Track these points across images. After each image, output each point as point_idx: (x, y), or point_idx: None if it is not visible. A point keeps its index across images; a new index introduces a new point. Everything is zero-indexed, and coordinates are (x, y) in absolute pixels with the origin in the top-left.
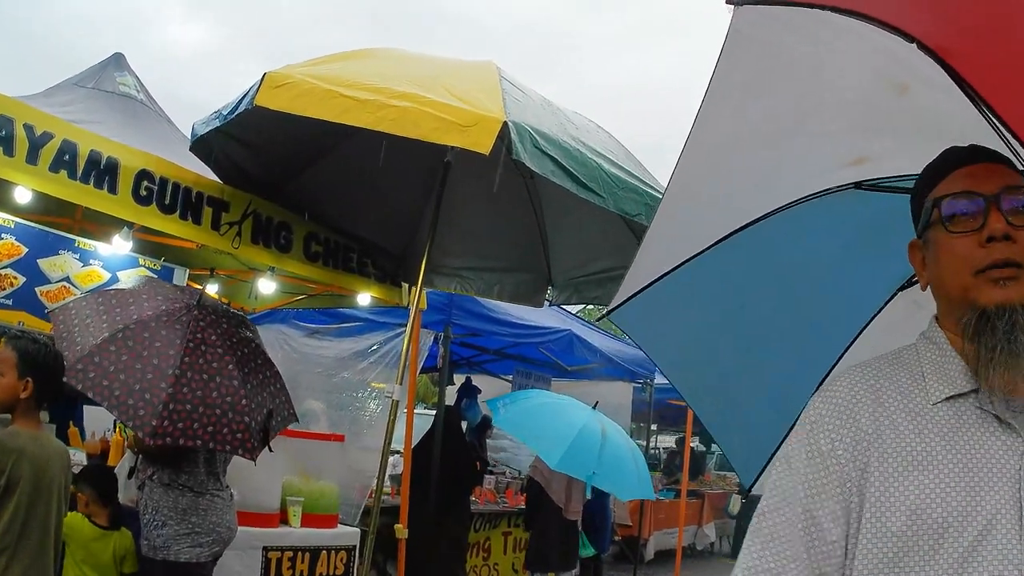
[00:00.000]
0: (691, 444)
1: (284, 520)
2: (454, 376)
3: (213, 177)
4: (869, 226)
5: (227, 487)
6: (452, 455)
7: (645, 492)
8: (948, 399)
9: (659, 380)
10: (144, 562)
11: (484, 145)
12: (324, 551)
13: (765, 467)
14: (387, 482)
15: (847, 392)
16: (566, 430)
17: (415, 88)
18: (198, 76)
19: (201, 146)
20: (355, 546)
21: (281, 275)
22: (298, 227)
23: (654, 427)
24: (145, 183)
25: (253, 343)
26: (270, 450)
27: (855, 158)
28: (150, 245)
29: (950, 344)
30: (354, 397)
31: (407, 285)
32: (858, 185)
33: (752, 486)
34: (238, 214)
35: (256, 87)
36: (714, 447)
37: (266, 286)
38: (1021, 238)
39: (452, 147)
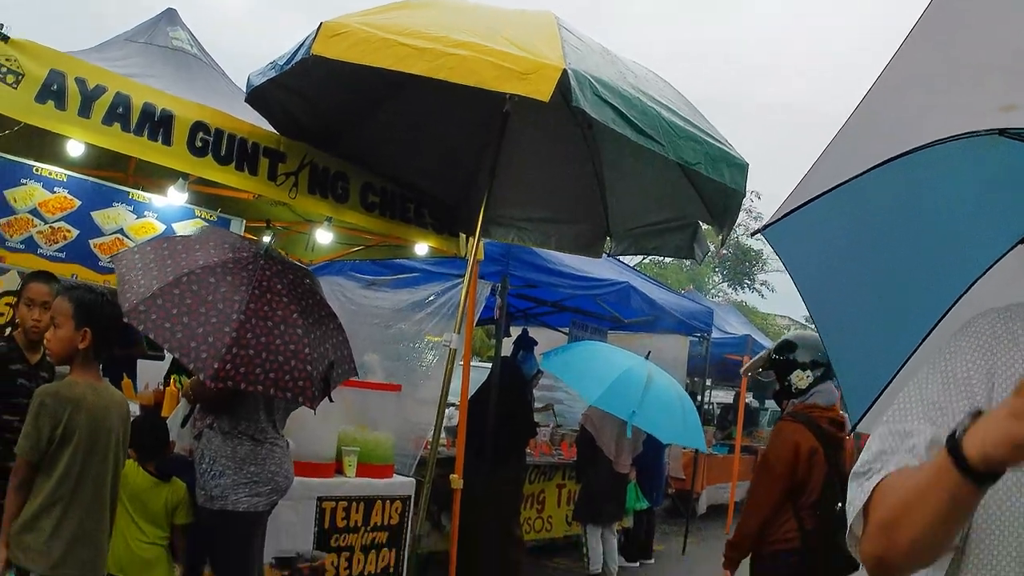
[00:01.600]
0: (745, 399)
1: (339, 470)
2: (510, 328)
3: (269, 128)
4: (1001, 175)
5: (284, 436)
6: (509, 407)
7: (694, 440)
8: None
9: (716, 334)
10: (201, 512)
11: (544, 93)
12: (379, 500)
13: (870, 408)
14: (442, 433)
15: (988, 329)
16: (609, 371)
17: (473, 37)
18: (247, 31)
19: (257, 97)
20: (410, 496)
21: (338, 226)
22: (354, 177)
23: (709, 382)
24: (200, 134)
25: (317, 295)
26: (330, 400)
27: (1007, 104)
28: (205, 197)
29: None
30: (411, 348)
31: (464, 235)
32: (1003, 132)
33: (856, 425)
34: (295, 164)
35: (312, 36)
36: (768, 403)
37: (323, 236)
38: None
39: (510, 96)
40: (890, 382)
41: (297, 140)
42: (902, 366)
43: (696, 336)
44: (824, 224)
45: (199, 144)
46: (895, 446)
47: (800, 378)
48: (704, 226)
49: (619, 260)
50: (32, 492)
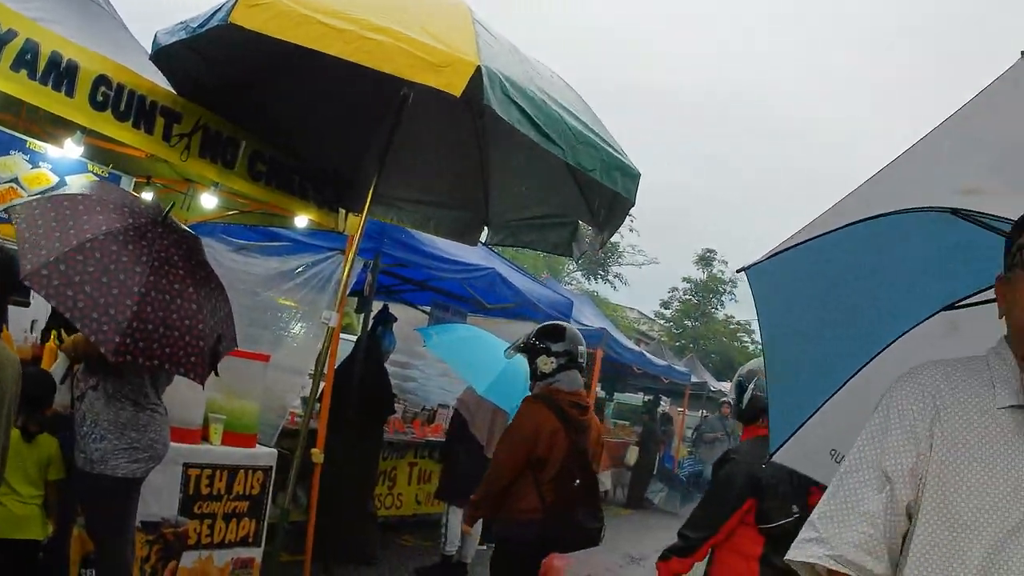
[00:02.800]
0: (595, 391)
1: (205, 437)
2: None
3: (167, 87)
4: (943, 249)
5: (163, 403)
6: (370, 383)
7: None
8: (1011, 407)
9: (573, 326)
10: (78, 474)
11: (456, 87)
12: (242, 470)
13: (786, 441)
14: (302, 406)
15: (930, 379)
16: (495, 362)
17: (391, 23)
18: None
19: (162, 56)
20: (272, 467)
21: (223, 191)
22: (245, 144)
23: None
24: (103, 89)
25: (208, 266)
26: (216, 375)
27: (970, 187)
28: (100, 151)
29: (1017, 363)
30: (277, 317)
31: (343, 211)
32: (955, 211)
33: (772, 454)
34: (189, 126)
35: (232, 4)
36: (616, 395)
37: (208, 201)
38: None
39: (410, 81)
40: (806, 421)
41: (195, 101)
42: (818, 409)
43: None
44: (795, 270)
45: (100, 98)
46: (845, 515)
47: (545, 363)
48: (584, 226)
49: (489, 247)
50: None
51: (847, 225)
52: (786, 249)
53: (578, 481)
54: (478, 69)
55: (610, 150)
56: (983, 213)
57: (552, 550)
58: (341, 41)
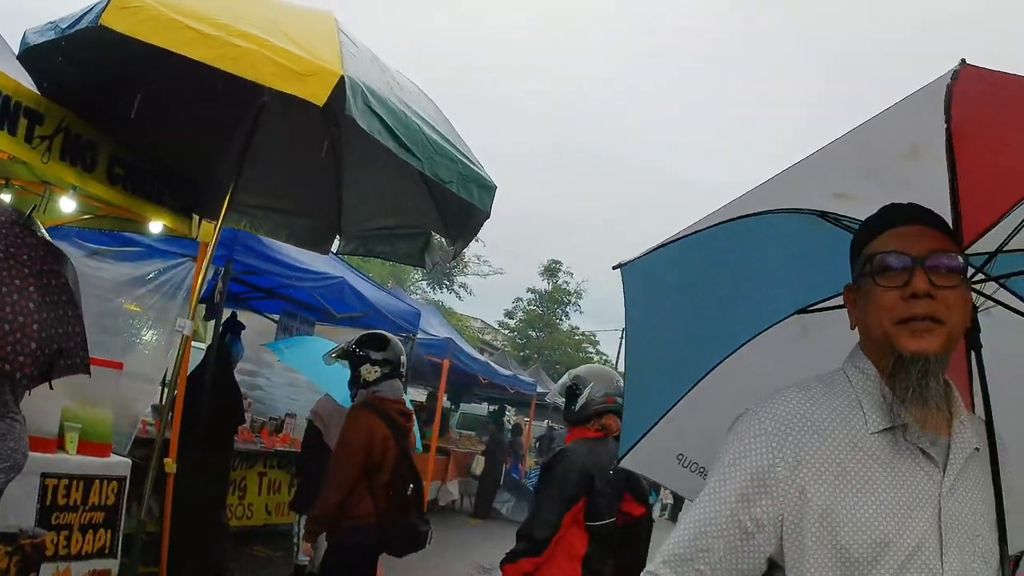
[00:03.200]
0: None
1: (60, 446)
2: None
3: (32, 87)
4: (805, 251)
5: (21, 411)
6: (221, 391)
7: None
8: (884, 430)
9: (420, 336)
10: None
11: (320, 97)
12: (98, 480)
13: (636, 444)
14: (154, 414)
15: (786, 413)
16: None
17: (256, 29)
18: None
19: (30, 56)
20: (126, 476)
21: (81, 194)
22: (104, 147)
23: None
24: None
25: (63, 279)
26: (50, 388)
27: (841, 192)
28: None
29: (880, 377)
30: (129, 324)
31: (197, 217)
32: (823, 214)
33: (620, 460)
34: (51, 128)
35: (103, 6)
36: (463, 406)
37: (67, 205)
38: (942, 297)
39: (269, 87)
40: (655, 425)
41: (58, 102)
42: (667, 412)
43: (401, 336)
44: (665, 268)
45: None
46: (694, 558)
47: (369, 372)
48: (436, 237)
49: (339, 256)
50: None
51: (720, 223)
52: (661, 246)
53: (412, 486)
54: (341, 79)
55: (467, 162)
56: (849, 217)
57: (385, 552)
58: (207, 46)
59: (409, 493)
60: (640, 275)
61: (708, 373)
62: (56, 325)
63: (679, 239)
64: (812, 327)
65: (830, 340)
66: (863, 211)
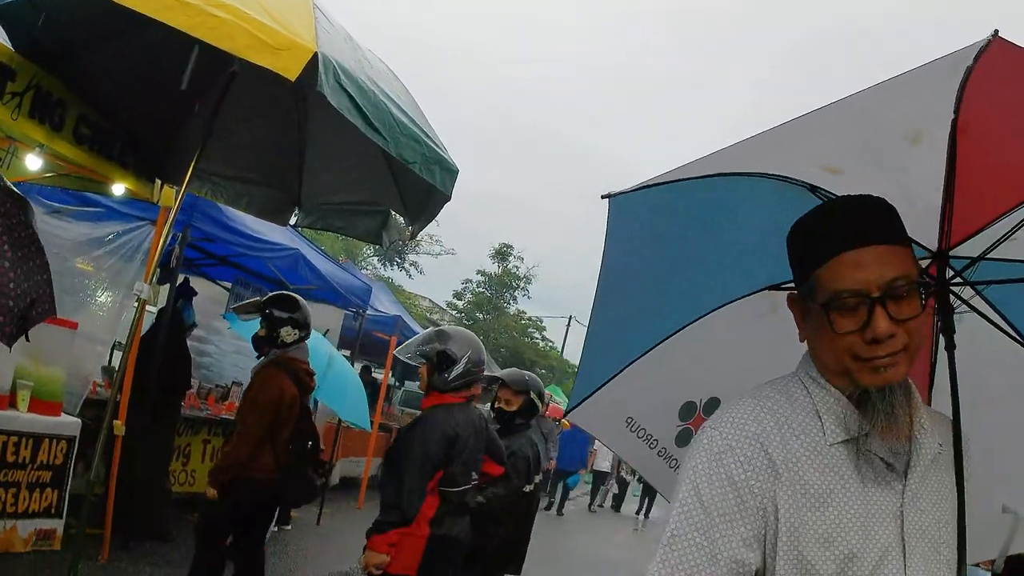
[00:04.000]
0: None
1: (12, 403)
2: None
3: (4, 43)
4: (787, 224)
5: None
6: (170, 356)
7: (362, 420)
8: (843, 441)
9: (370, 312)
10: None
11: (292, 71)
12: (47, 439)
13: (582, 402)
14: (104, 376)
15: (755, 422)
16: (316, 359)
17: (235, 0)
18: None
19: (4, 12)
20: (75, 437)
21: (48, 153)
22: (72, 107)
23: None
24: None
25: (30, 228)
26: (27, 340)
27: (832, 166)
28: None
29: (836, 388)
30: (84, 284)
31: (159, 182)
32: (813, 189)
33: (568, 412)
34: (22, 85)
35: None
36: (408, 384)
37: (33, 163)
38: (905, 327)
39: (246, 60)
40: (609, 380)
41: (30, 60)
42: (624, 368)
43: (351, 311)
44: (650, 209)
45: None
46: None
47: (289, 334)
48: (395, 216)
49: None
50: None
51: (710, 176)
52: (652, 185)
53: (310, 443)
54: (315, 56)
55: (431, 144)
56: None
57: (281, 506)
58: (184, 14)
59: (308, 448)
60: (625, 211)
61: (671, 335)
62: (29, 277)
63: (669, 182)
64: (781, 306)
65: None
66: (853, 190)
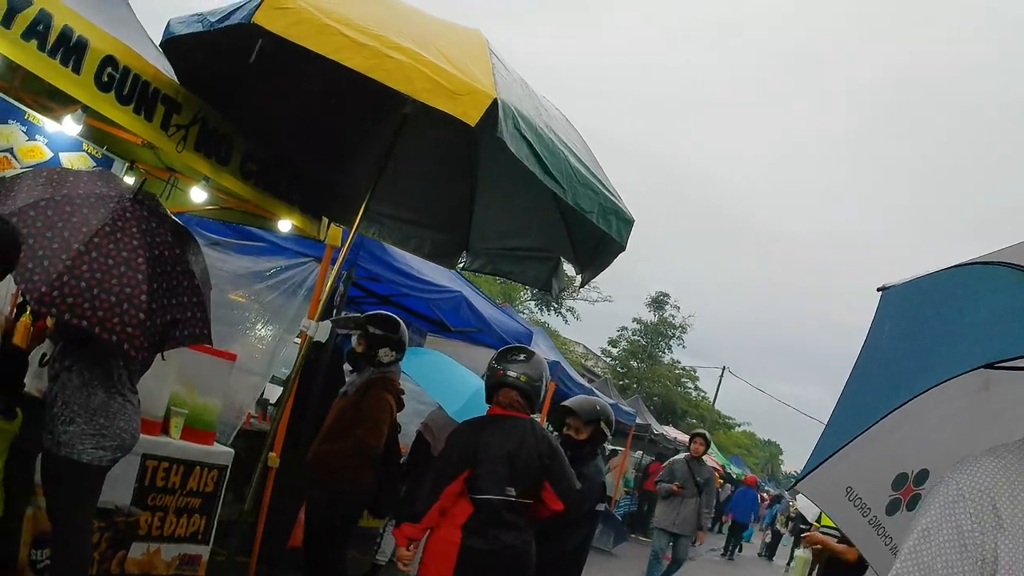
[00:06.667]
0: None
1: (165, 430)
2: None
3: (171, 75)
4: (1008, 306)
5: (137, 394)
6: (331, 392)
7: None
8: None
9: None
10: (45, 456)
11: (472, 117)
12: (198, 466)
13: (810, 472)
14: (257, 408)
15: (990, 476)
16: (464, 386)
17: (410, 43)
18: None
19: (172, 45)
20: (227, 466)
21: (211, 186)
22: (239, 142)
23: None
24: (109, 69)
25: (177, 250)
26: (163, 359)
27: None
28: (95, 131)
29: None
30: (244, 317)
31: (326, 220)
32: None
33: (797, 483)
34: (188, 118)
35: (256, 4)
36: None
37: (197, 194)
38: None
39: (412, 99)
40: (833, 454)
41: (195, 94)
42: (848, 443)
43: None
44: (912, 300)
45: (106, 79)
46: None
47: (387, 354)
48: (565, 263)
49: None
50: None
51: (969, 264)
52: (921, 277)
53: (402, 460)
54: (495, 102)
55: (607, 194)
56: None
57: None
58: (361, 56)
59: (399, 464)
60: (894, 303)
61: (893, 411)
62: (169, 295)
63: (932, 273)
64: (993, 383)
65: (1009, 398)
66: None
